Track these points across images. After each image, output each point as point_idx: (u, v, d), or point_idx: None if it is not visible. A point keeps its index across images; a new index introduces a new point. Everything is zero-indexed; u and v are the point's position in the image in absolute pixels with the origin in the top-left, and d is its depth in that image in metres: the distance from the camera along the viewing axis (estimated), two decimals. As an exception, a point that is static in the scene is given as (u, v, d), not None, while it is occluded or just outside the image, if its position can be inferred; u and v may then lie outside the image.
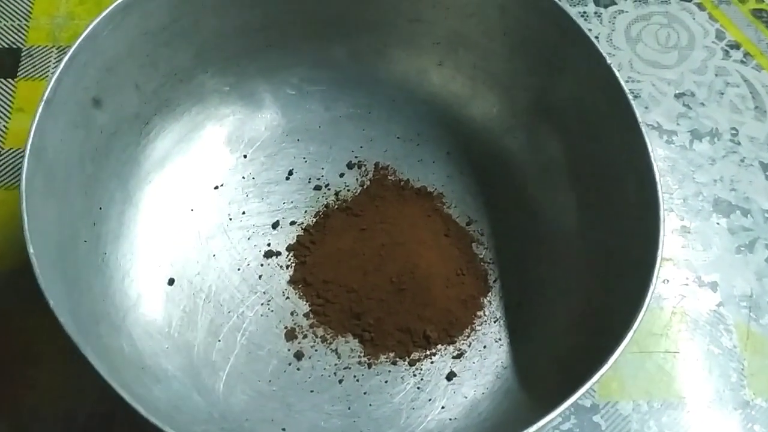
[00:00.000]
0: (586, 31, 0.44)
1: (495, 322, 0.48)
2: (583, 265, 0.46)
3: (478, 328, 0.48)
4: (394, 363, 0.47)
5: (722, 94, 0.58)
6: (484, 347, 0.47)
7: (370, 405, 0.45)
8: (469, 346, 0.47)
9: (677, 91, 0.59)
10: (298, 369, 0.46)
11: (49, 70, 0.56)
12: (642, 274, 0.39)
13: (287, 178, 0.53)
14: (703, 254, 0.52)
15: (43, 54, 0.58)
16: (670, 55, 0.60)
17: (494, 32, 0.50)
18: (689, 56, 0.60)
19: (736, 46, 0.61)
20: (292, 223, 0.51)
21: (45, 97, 0.40)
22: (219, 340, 0.46)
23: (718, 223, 0.53)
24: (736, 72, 0.59)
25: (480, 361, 0.47)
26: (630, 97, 0.42)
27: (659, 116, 0.57)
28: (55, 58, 0.57)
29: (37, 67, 0.57)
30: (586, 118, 0.46)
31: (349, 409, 0.45)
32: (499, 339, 0.48)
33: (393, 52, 0.53)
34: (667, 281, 0.51)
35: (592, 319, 0.43)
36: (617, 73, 0.43)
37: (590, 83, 0.45)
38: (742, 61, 0.60)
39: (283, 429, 0.43)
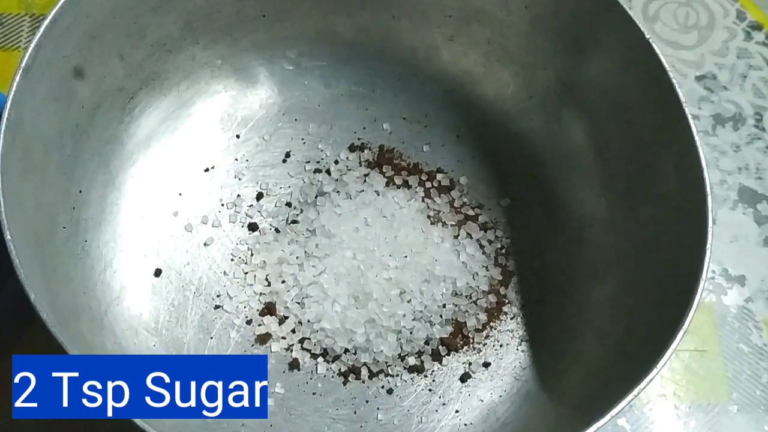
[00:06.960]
0: (622, 2, 0.41)
1: (512, 319, 0.46)
2: (609, 261, 0.44)
3: (493, 325, 0.46)
4: (404, 363, 0.45)
5: (745, 77, 0.57)
6: (501, 346, 0.45)
7: (378, 409, 0.43)
8: (485, 345, 0.45)
9: (698, 74, 0.57)
10: (298, 369, 0.44)
11: (21, 40, 0.53)
12: (686, 276, 0.37)
13: (284, 161, 0.50)
14: (729, 246, 0.51)
15: (15, 22, 0.54)
16: (689, 35, 0.59)
17: (514, 4, 0.46)
18: (709, 37, 0.59)
19: (758, 27, 0.60)
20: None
21: (23, 65, 0.37)
22: (211, 338, 0.44)
23: (744, 214, 0.52)
24: (758, 54, 0.58)
25: (497, 361, 0.45)
26: (672, 77, 0.39)
27: (680, 100, 0.56)
28: (28, 27, 0.54)
29: (8, 36, 0.53)
30: (617, 101, 0.44)
31: (354, 413, 0.43)
32: (517, 337, 0.45)
33: (400, 25, 0.50)
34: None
35: (622, 321, 0.41)
36: (658, 51, 0.39)
37: (624, 62, 0.43)
38: (764, 43, 0.59)
39: (283, 435, 0.41)
